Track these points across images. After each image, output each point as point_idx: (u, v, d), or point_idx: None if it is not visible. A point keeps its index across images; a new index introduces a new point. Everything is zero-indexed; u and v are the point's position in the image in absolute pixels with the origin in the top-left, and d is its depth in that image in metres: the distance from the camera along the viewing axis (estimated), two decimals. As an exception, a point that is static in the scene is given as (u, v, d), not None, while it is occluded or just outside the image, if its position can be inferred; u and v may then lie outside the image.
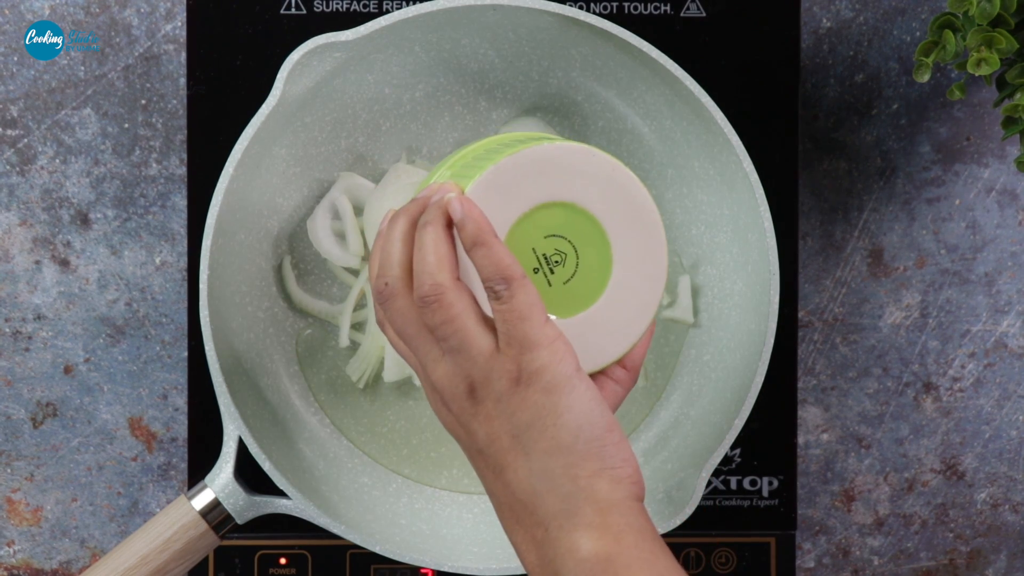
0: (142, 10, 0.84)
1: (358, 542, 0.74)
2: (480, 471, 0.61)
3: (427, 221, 0.60)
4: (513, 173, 0.62)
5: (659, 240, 0.65)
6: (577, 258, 0.63)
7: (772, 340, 0.75)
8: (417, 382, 0.81)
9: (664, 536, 0.65)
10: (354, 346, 0.82)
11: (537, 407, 0.58)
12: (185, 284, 0.85)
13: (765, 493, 0.84)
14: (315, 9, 0.82)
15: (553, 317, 0.63)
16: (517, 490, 0.59)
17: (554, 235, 0.63)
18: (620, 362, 0.66)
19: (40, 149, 0.85)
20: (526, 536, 0.59)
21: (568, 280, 0.63)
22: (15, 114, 0.85)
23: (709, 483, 0.84)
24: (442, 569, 0.75)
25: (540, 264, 0.63)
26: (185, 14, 0.83)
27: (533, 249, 0.63)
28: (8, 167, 0.85)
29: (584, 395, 0.59)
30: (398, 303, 0.61)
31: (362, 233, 0.81)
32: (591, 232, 0.63)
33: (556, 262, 0.63)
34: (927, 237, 0.88)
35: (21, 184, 0.85)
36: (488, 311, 0.60)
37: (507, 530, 0.60)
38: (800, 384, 0.87)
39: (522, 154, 0.62)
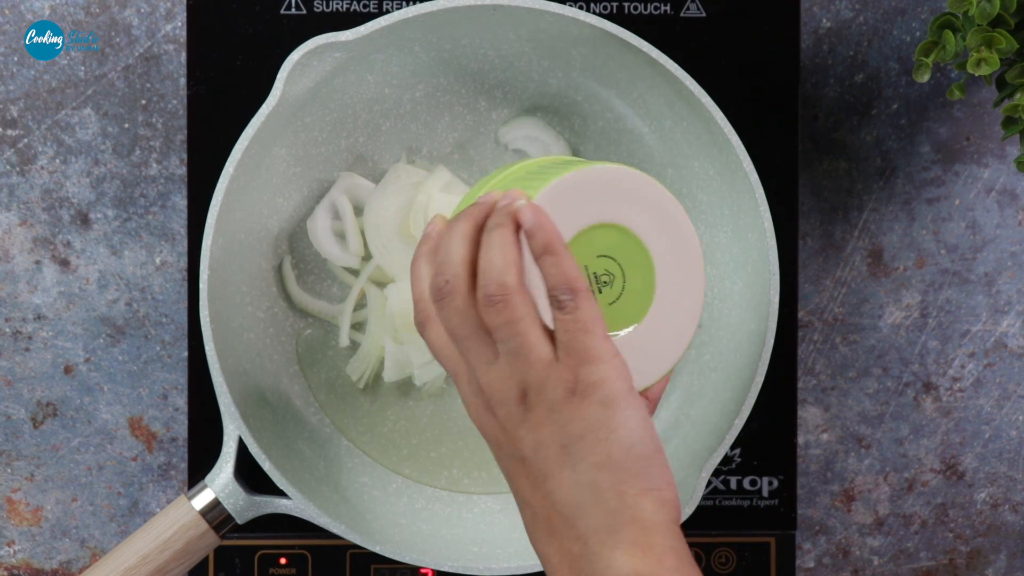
0: (142, 10, 0.84)
1: (358, 542, 0.74)
2: (516, 479, 0.60)
3: (497, 224, 0.60)
4: (576, 190, 0.62)
5: (698, 276, 0.65)
6: (624, 281, 0.64)
7: (772, 340, 0.75)
8: (418, 382, 0.81)
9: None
10: (354, 346, 0.82)
11: (591, 419, 0.58)
12: (185, 284, 0.85)
13: (765, 493, 0.84)
14: (315, 9, 0.82)
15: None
16: (559, 501, 0.58)
17: (605, 256, 0.63)
18: (644, 391, 0.66)
19: (40, 149, 0.85)
20: (560, 549, 0.58)
21: (613, 302, 0.64)
22: (15, 114, 0.85)
23: (709, 483, 0.84)
24: (442, 569, 0.75)
25: (590, 282, 0.63)
26: (185, 14, 0.83)
27: (585, 267, 0.63)
28: (8, 167, 0.85)
29: (637, 413, 0.59)
30: (457, 301, 0.60)
31: (362, 233, 0.81)
32: (639, 258, 0.64)
33: (605, 282, 0.63)
34: (927, 237, 0.88)
35: (21, 184, 0.85)
36: (547, 321, 0.60)
37: (537, 542, 0.60)
38: (800, 384, 0.87)
39: (586, 172, 0.62)
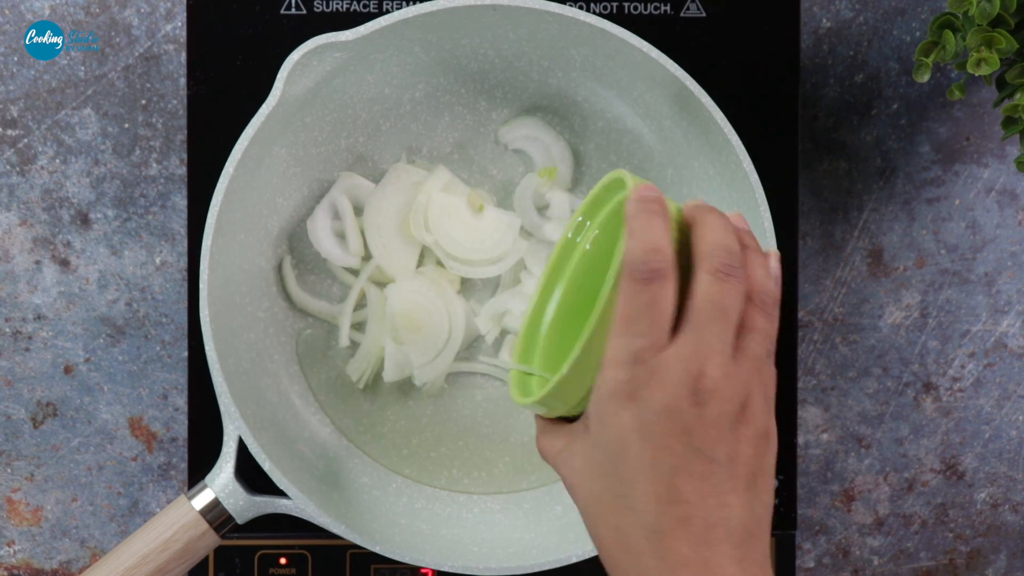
0: (142, 10, 0.84)
1: (358, 542, 0.74)
2: (692, 479, 0.57)
3: (757, 249, 0.62)
4: None
5: None
6: None
7: (772, 340, 0.75)
8: (418, 382, 0.81)
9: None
10: (354, 346, 0.82)
11: (771, 465, 0.60)
12: (185, 284, 0.85)
13: (765, 493, 0.84)
14: (315, 9, 0.82)
15: None
16: (732, 517, 0.57)
17: None
18: None
19: (40, 149, 0.85)
20: (711, 560, 0.57)
21: None
22: (15, 114, 0.85)
23: (709, 483, 0.84)
24: (442, 569, 0.75)
25: None
26: (185, 14, 0.83)
27: None
28: (8, 167, 0.85)
29: None
30: (740, 287, 0.59)
31: (362, 233, 0.81)
32: None
33: None
34: (927, 237, 0.88)
35: (21, 184, 0.85)
36: None
37: (677, 539, 0.57)
38: (800, 384, 0.87)
39: None
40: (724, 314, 0.59)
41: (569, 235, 0.68)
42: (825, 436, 0.88)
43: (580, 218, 0.67)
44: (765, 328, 0.59)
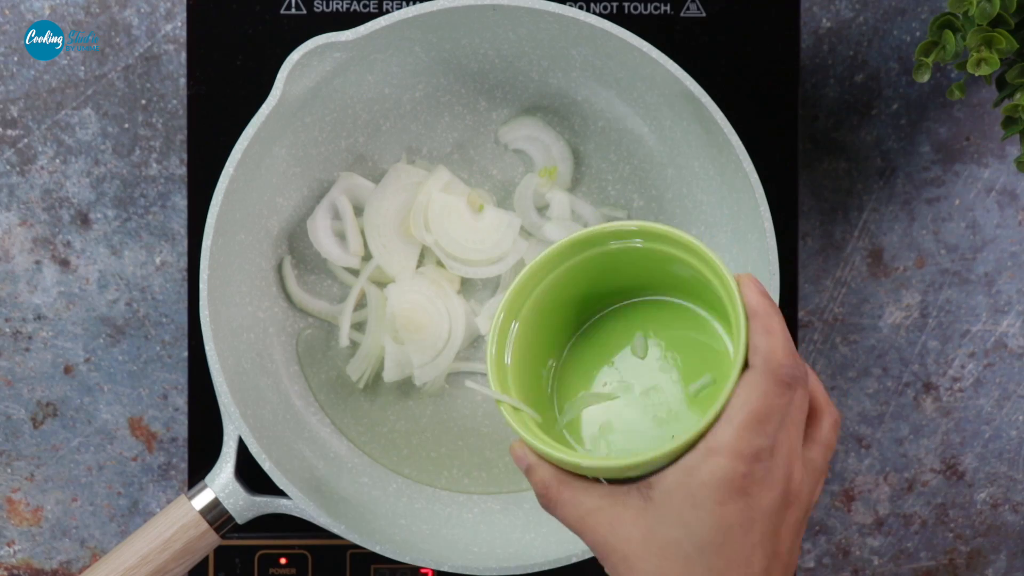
0: (142, 10, 0.84)
1: (358, 542, 0.74)
2: (762, 569, 0.59)
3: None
4: None
5: None
6: None
7: (772, 340, 0.75)
8: (418, 382, 0.81)
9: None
10: (354, 346, 0.82)
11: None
12: (185, 284, 0.85)
13: (765, 493, 0.84)
14: (315, 9, 0.82)
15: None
16: None
17: None
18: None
19: (40, 149, 0.85)
20: None
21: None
22: (15, 114, 0.85)
23: (709, 483, 0.84)
24: (442, 569, 0.75)
25: None
26: (185, 14, 0.83)
27: None
28: (8, 167, 0.85)
29: None
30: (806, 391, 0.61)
31: (362, 233, 0.81)
32: None
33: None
34: (927, 237, 0.88)
35: (21, 184, 0.85)
36: None
37: None
38: (800, 384, 0.87)
39: None
40: (803, 419, 0.60)
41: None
42: (825, 436, 0.88)
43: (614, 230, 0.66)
44: (833, 444, 0.62)
